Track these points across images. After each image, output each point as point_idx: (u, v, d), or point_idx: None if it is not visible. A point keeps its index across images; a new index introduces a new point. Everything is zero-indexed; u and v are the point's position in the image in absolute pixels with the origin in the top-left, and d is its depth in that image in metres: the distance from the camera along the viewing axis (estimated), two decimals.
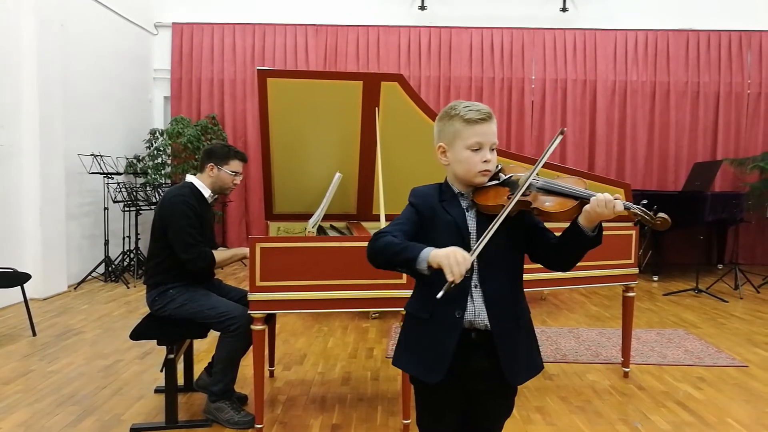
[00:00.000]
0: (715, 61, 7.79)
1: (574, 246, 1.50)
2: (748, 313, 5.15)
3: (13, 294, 4.76)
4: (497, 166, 1.59)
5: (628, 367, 3.50)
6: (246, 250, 2.87)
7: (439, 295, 1.34)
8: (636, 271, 3.45)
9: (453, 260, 1.32)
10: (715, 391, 3.29)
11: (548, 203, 1.51)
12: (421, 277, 1.47)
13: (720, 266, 7.40)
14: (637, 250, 3.43)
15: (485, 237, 1.43)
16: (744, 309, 5.32)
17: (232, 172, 2.99)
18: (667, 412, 2.99)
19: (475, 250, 1.42)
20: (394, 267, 1.50)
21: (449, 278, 1.32)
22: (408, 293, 2.52)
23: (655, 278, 6.61)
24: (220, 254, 2.91)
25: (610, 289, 5.92)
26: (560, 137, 1.52)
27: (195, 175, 3.03)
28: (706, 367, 3.68)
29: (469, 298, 1.52)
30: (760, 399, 3.19)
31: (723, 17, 7.77)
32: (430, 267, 1.37)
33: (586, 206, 1.44)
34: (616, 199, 1.41)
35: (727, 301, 5.56)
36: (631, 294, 3.45)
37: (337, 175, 3.14)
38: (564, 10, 7.78)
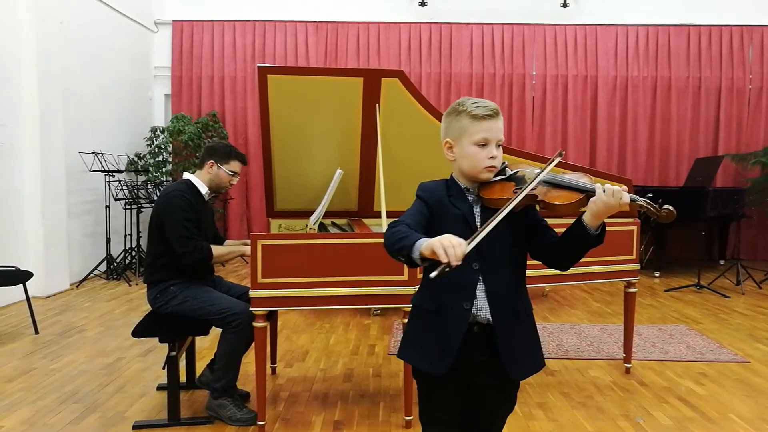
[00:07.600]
0: (716, 56, 7.77)
1: (576, 244, 1.50)
2: (750, 309, 5.15)
3: (15, 292, 4.76)
4: (503, 163, 1.59)
5: (629, 363, 3.50)
6: (246, 248, 2.88)
7: (433, 274, 1.28)
8: (638, 266, 3.44)
9: (447, 243, 1.28)
10: (717, 386, 3.29)
11: (554, 196, 1.51)
12: (425, 268, 1.42)
13: (722, 262, 7.38)
14: (638, 245, 3.42)
15: (487, 225, 1.40)
16: (746, 305, 5.32)
17: (231, 172, 3.00)
18: (669, 408, 2.99)
19: (474, 237, 1.37)
20: (396, 256, 1.45)
21: (443, 260, 1.27)
22: (409, 289, 2.56)
23: (657, 274, 6.61)
24: (217, 249, 2.89)
25: (611, 285, 5.92)
26: (558, 158, 1.53)
27: (193, 173, 3.03)
28: (708, 363, 3.68)
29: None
30: (761, 394, 3.19)
31: (724, 12, 7.75)
32: (423, 258, 1.34)
33: (593, 197, 1.43)
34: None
35: (728, 297, 5.56)
36: (632, 290, 3.44)
37: (338, 171, 3.14)
38: (565, 5, 7.76)
